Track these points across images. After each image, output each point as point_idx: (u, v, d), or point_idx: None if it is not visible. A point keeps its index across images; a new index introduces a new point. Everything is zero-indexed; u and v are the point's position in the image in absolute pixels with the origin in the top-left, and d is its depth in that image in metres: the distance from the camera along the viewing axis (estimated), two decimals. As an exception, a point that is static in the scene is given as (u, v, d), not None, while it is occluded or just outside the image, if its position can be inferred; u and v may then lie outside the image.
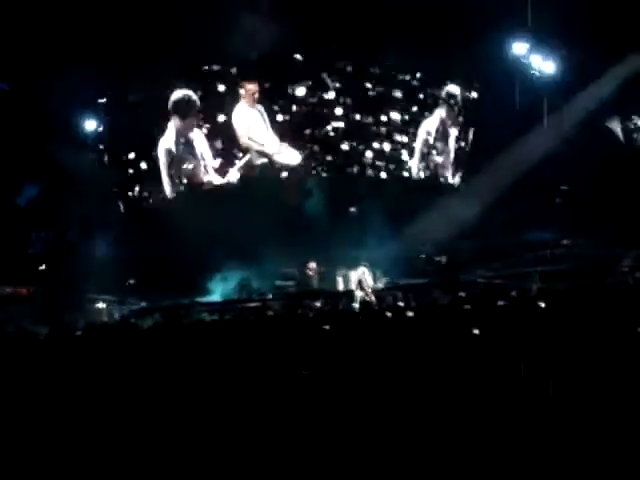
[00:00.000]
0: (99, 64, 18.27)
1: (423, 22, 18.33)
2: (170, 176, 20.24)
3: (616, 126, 20.29)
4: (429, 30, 18.43)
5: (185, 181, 20.38)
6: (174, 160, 20.21)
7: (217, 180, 20.43)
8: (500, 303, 9.29)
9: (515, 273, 18.44)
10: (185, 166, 20.31)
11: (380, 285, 18.26)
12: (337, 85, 20.53)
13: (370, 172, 20.95)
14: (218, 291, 20.06)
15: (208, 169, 20.37)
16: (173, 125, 19.99)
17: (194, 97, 19.95)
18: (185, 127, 20.07)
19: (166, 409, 7.21)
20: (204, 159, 20.33)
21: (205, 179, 20.41)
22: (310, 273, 19.79)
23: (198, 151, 20.26)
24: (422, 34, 18.50)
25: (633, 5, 17.30)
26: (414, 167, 21.17)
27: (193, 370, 8.00)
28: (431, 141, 21.07)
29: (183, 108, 19.87)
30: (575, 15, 17.86)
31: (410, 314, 9.11)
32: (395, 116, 20.86)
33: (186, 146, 20.18)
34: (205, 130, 20.37)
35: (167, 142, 20.07)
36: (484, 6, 17.80)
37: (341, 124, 20.65)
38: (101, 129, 20.28)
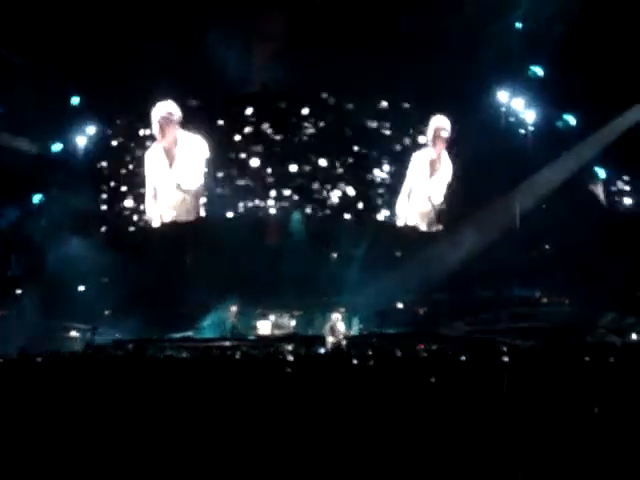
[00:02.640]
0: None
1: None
2: (154, 196, 20.39)
3: (599, 188, 20.44)
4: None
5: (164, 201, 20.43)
6: (157, 175, 20.33)
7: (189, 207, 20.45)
8: (462, 358, 9.26)
9: (492, 328, 18.42)
10: (166, 183, 20.34)
11: (353, 332, 18.18)
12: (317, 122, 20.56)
13: (349, 216, 20.86)
14: (195, 328, 19.98)
15: (184, 185, 20.37)
16: (157, 140, 20.18)
17: (175, 110, 19.98)
18: (168, 141, 20.16)
19: (116, 444, 7.09)
20: (183, 173, 20.30)
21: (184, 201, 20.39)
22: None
23: (179, 164, 20.25)
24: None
25: (617, 71, 17.55)
26: (400, 207, 21.13)
27: (150, 405, 7.90)
28: (419, 176, 21.02)
29: (165, 121, 19.97)
30: (562, 78, 18.22)
31: (371, 362, 9.06)
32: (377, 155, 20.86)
33: (168, 160, 20.24)
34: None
35: (151, 157, 20.32)
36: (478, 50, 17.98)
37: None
38: (82, 153, 20.51)
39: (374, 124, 20.66)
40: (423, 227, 21.33)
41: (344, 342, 16.01)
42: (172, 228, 20.33)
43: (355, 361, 10.54)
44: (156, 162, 20.29)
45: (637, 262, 18.68)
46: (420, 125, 20.92)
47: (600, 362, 9.08)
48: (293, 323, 19.98)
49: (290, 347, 16.23)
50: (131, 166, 20.48)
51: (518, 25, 18.72)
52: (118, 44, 17.97)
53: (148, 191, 20.46)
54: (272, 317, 19.97)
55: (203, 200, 20.54)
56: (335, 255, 20.69)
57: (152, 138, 20.20)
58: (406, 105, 20.74)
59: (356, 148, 20.76)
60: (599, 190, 20.43)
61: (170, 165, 20.18)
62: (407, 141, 20.95)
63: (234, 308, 19.60)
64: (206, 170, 20.35)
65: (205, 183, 20.44)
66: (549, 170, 19.82)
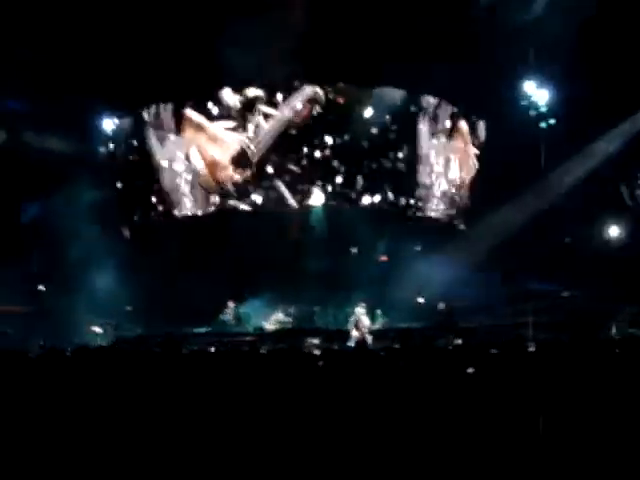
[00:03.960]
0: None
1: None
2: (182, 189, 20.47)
3: (621, 183, 20.34)
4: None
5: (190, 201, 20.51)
6: (173, 177, 20.41)
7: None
8: (493, 351, 9.19)
9: (513, 322, 18.34)
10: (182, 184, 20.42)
11: (377, 326, 18.18)
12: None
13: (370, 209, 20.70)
14: (217, 322, 20.02)
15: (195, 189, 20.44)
16: (171, 141, 20.33)
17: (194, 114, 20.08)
18: (184, 143, 20.29)
19: (149, 439, 7.10)
20: (198, 175, 20.38)
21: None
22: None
23: (195, 167, 20.35)
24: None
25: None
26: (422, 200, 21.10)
27: (180, 400, 7.91)
28: (447, 172, 21.09)
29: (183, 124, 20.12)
30: (588, 70, 18.07)
31: (403, 357, 9.00)
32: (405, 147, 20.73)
33: (184, 162, 20.37)
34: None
35: (167, 158, 20.44)
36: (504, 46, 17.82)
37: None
38: (104, 148, 20.70)
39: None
40: (445, 221, 21.26)
41: (369, 337, 16.02)
42: (193, 221, 20.37)
43: (382, 353, 10.54)
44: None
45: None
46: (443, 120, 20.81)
47: (630, 356, 9.03)
48: (314, 317, 19.99)
49: (316, 341, 16.25)
50: (152, 159, 20.44)
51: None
52: (136, 38, 17.97)
53: (175, 184, 20.44)
54: (293, 311, 19.98)
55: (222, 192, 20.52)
56: (356, 249, 20.64)
57: (174, 131, 20.16)
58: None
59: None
60: (623, 185, 20.33)
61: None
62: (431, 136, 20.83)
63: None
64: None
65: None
66: (572, 163, 19.75)
